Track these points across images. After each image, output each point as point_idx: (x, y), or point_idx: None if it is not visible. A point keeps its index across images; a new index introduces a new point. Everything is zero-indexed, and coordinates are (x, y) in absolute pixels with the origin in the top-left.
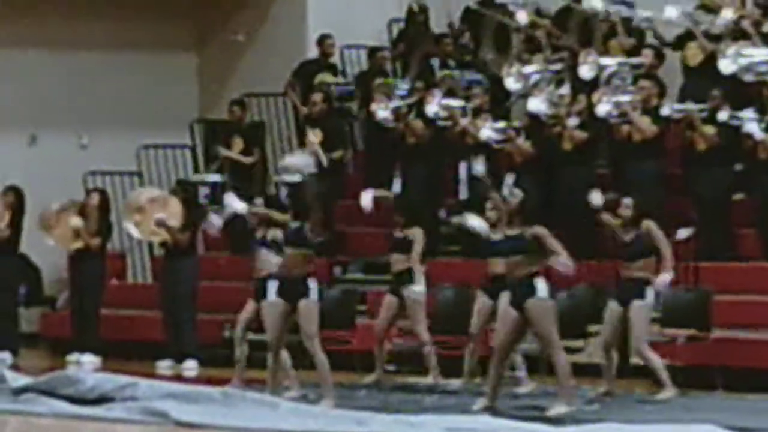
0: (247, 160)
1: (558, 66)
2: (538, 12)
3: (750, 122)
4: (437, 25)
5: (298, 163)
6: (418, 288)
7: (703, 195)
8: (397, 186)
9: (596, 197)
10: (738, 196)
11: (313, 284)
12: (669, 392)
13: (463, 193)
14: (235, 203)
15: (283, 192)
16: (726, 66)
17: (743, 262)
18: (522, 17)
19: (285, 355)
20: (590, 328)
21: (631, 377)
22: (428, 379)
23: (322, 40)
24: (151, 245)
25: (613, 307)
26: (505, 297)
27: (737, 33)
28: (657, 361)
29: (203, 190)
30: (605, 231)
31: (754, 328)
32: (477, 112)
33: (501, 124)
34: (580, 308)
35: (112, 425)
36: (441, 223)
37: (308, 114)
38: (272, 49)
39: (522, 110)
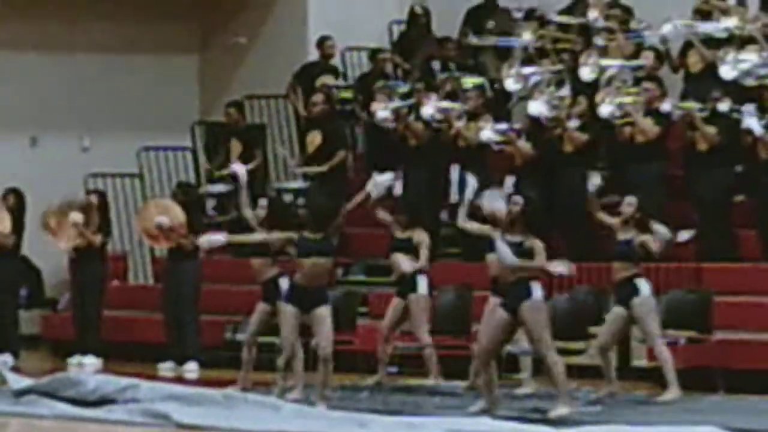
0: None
1: (558, 67)
2: (540, 18)
3: (750, 117)
4: (439, 27)
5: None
6: (422, 291)
7: (704, 196)
8: (398, 188)
9: (594, 181)
10: (739, 198)
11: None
12: (674, 393)
13: (456, 197)
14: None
15: (209, 204)
16: (726, 72)
17: (744, 264)
18: (526, 36)
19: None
20: (591, 330)
21: (633, 379)
22: (429, 381)
23: (322, 42)
24: (152, 247)
25: (615, 310)
26: (492, 299)
27: (743, 39)
28: (670, 360)
29: (210, 202)
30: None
31: (755, 329)
32: (472, 115)
33: (502, 126)
34: (581, 310)
35: (113, 427)
36: (442, 225)
37: (308, 115)
38: (273, 52)
39: (523, 112)
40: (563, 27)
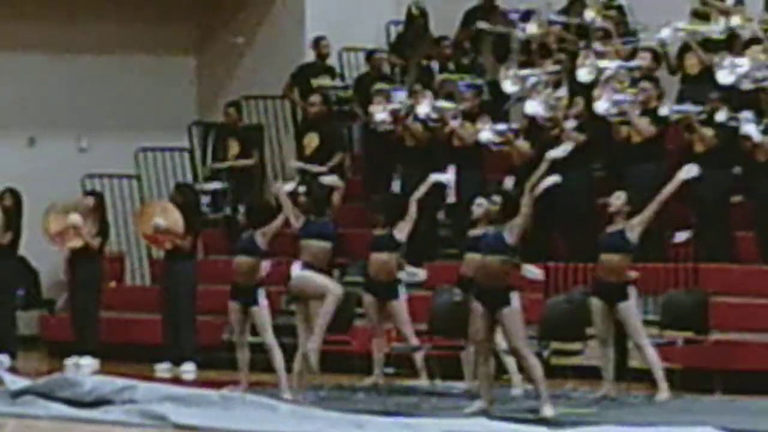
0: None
1: (555, 68)
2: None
3: (748, 123)
4: (436, 27)
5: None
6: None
7: (702, 197)
8: (396, 188)
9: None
10: (736, 199)
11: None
12: (663, 393)
13: (450, 197)
14: None
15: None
16: (724, 77)
17: (742, 265)
18: (533, 29)
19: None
20: (588, 331)
21: (629, 380)
22: (422, 382)
23: (317, 42)
24: (149, 247)
25: (594, 302)
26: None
27: (740, 42)
28: (655, 360)
29: (204, 199)
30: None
31: (753, 330)
32: (468, 115)
33: (500, 126)
34: (578, 311)
35: (110, 428)
36: (439, 226)
37: (305, 117)
38: (271, 52)
39: (520, 112)
40: (564, 27)
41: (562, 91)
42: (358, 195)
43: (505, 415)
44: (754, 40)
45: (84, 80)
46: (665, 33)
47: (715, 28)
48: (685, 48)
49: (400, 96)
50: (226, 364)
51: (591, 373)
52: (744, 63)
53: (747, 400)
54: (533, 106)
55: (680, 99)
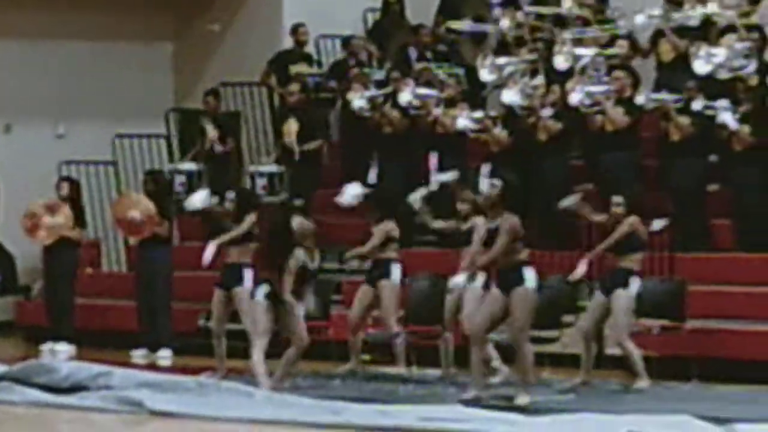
0: (310, 146)
1: (532, 56)
2: (515, 6)
3: (724, 112)
4: (414, 14)
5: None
6: (395, 278)
7: (678, 186)
8: (372, 176)
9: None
10: (713, 187)
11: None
12: (643, 383)
13: (434, 185)
14: None
15: (259, 183)
16: (700, 66)
17: (718, 253)
18: (505, 23)
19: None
20: (565, 319)
21: (607, 368)
22: (399, 369)
23: (296, 29)
24: None
25: (598, 296)
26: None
27: (715, 29)
28: (635, 352)
29: (179, 178)
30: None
31: (729, 318)
32: (450, 102)
33: (477, 114)
34: (555, 299)
35: (86, 414)
36: (416, 213)
37: (284, 104)
38: (248, 39)
39: (498, 100)
40: (538, 16)
41: (539, 80)
42: (334, 182)
43: (482, 403)
44: (730, 28)
45: (61, 67)
46: (639, 19)
47: (691, 14)
48: (658, 33)
49: (378, 78)
50: (202, 350)
51: (567, 362)
52: (720, 53)
53: (723, 388)
54: (510, 95)
55: (656, 87)
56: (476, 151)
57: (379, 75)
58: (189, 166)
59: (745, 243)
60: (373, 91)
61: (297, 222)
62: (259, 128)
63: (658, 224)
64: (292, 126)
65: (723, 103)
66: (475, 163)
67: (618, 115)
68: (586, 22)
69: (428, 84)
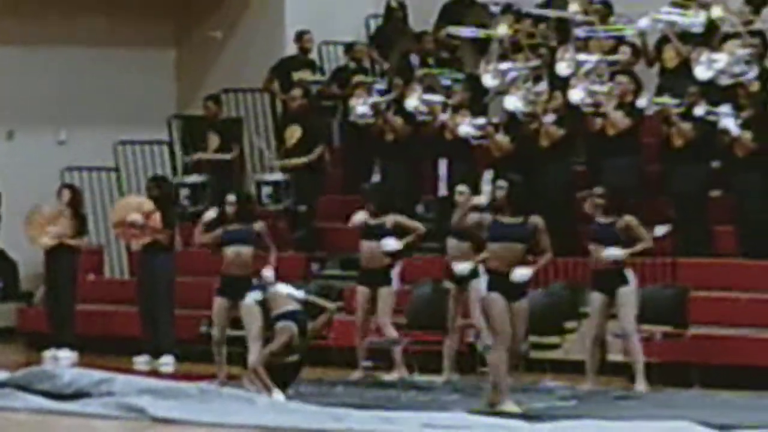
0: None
1: (536, 62)
2: (517, 12)
3: (726, 118)
4: (415, 21)
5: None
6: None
7: (680, 192)
8: (375, 178)
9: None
10: (715, 193)
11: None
12: (641, 386)
13: (442, 190)
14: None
15: (265, 192)
16: (702, 72)
17: (720, 259)
18: (502, 29)
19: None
20: (567, 325)
21: (608, 374)
22: (396, 375)
23: (300, 36)
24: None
25: (595, 297)
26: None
27: (719, 34)
28: (641, 352)
29: (184, 191)
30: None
31: (731, 324)
32: (457, 109)
33: (480, 120)
34: (557, 305)
35: (88, 420)
36: (419, 220)
37: (287, 110)
38: (250, 45)
39: (500, 106)
40: (538, 21)
41: (542, 86)
42: (337, 189)
43: (484, 409)
44: (733, 35)
45: (63, 73)
46: (643, 23)
47: (696, 20)
48: (663, 40)
49: (380, 87)
50: (204, 357)
51: (569, 368)
52: (721, 58)
53: (725, 395)
54: (513, 102)
55: (658, 92)
56: (482, 158)
57: (381, 82)
58: (193, 178)
59: (748, 249)
60: (375, 98)
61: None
62: (261, 134)
63: (660, 230)
64: (294, 133)
65: (725, 109)
66: (485, 169)
67: (618, 117)
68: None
69: (430, 90)
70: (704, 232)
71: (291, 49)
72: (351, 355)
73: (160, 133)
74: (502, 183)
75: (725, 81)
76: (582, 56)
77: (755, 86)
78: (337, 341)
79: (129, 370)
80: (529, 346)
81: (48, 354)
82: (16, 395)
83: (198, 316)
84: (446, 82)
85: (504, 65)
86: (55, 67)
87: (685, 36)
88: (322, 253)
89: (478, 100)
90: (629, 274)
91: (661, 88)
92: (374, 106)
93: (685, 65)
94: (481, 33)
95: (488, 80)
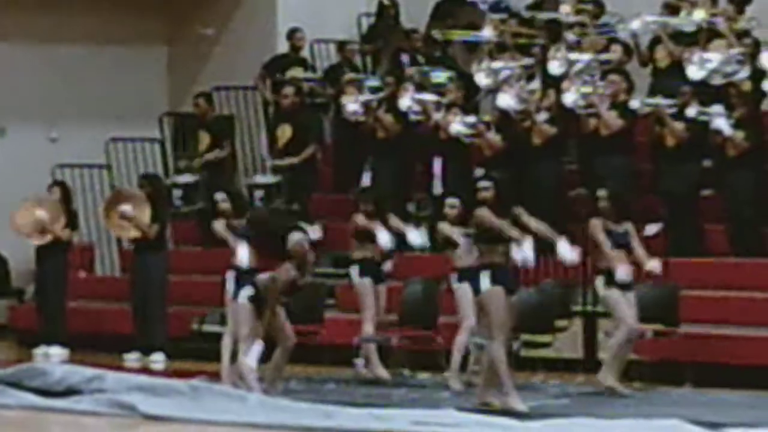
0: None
1: (529, 61)
2: (508, 10)
3: (718, 118)
4: (407, 19)
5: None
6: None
7: (672, 191)
8: (366, 180)
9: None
10: (706, 192)
11: None
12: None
13: (437, 188)
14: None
15: (257, 195)
16: (694, 72)
17: (711, 258)
18: (487, 32)
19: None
20: (558, 323)
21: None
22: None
23: (292, 34)
24: (119, 238)
25: (615, 293)
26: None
27: (710, 33)
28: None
29: (176, 192)
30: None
31: (722, 323)
32: (451, 107)
33: (471, 119)
34: (548, 304)
35: (79, 417)
36: (409, 218)
37: (279, 108)
38: (242, 43)
39: (492, 105)
40: (527, 21)
41: (535, 84)
42: (329, 187)
43: (474, 407)
44: (718, 34)
45: (55, 70)
46: (636, 24)
47: (687, 21)
48: (655, 40)
49: (371, 84)
50: (195, 354)
51: (561, 366)
52: (714, 58)
53: (716, 393)
54: (506, 100)
55: (651, 92)
56: (476, 156)
57: (373, 80)
58: (186, 178)
59: (739, 248)
60: (367, 96)
61: (294, 240)
62: (253, 133)
63: (651, 229)
64: (286, 131)
65: (717, 108)
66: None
67: (612, 117)
68: (583, 28)
69: (421, 88)
70: (695, 231)
71: (283, 47)
72: (342, 353)
73: (152, 131)
74: (486, 183)
75: (717, 81)
76: (574, 55)
77: (747, 86)
78: (330, 339)
79: (120, 368)
80: (521, 344)
81: (39, 351)
82: (7, 392)
83: (189, 314)
84: (438, 80)
85: (497, 64)
86: (46, 64)
87: (677, 36)
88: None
89: (470, 98)
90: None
91: (653, 87)
92: (365, 104)
93: (678, 65)
94: (469, 34)
95: (481, 79)
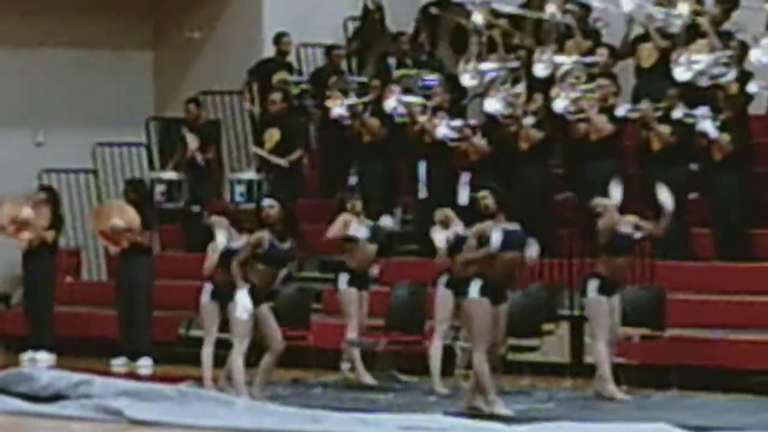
0: (283, 161)
1: (514, 64)
2: (494, 12)
3: (704, 120)
4: (393, 23)
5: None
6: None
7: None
8: (352, 184)
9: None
10: (693, 196)
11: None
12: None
13: (422, 193)
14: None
15: (238, 190)
16: (680, 73)
17: (698, 262)
18: (478, 18)
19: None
20: (545, 327)
21: (586, 376)
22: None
23: (279, 39)
24: None
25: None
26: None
27: (693, 33)
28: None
29: (159, 187)
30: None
31: (709, 327)
32: (436, 110)
33: (457, 122)
34: (535, 307)
35: (66, 423)
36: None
37: (266, 113)
38: (228, 47)
39: (478, 108)
40: (516, 23)
41: (521, 87)
42: (314, 191)
43: (461, 411)
44: (702, 34)
45: (41, 74)
46: (629, 6)
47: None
48: (638, 39)
49: (357, 86)
50: (182, 359)
51: (547, 370)
52: (701, 59)
53: (703, 397)
54: (493, 104)
55: (636, 94)
56: (462, 160)
57: (359, 84)
58: (170, 175)
59: (725, 252)
60: (353, 99)
61: (264, 204)
62: (240, 137)
63: (638, 233)
64: (273, 136)
65: (703, 111)
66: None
67: (602, 122)
68: (569, 30)
69: (408, 91)
70: (682, 235)
71: (269, 51)
72: (328, 357)
73: (138, 136)
74: (484, 193)
75: (704, 82)
76: (559, 58)
77: (733, 88)
78: (316, 343)
79: (107, 372)
80: (507, 348)
81: (26, 356)
82: None
83: (176, 319)
84: (425, 83)
85: (483, 65)
86: (32, 68)
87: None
88: (299, 254)
89: (455, 101)
90: None
91: (637, 89)
92: (351, 108)
93: (662, 65)
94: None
95: (467, 80)
